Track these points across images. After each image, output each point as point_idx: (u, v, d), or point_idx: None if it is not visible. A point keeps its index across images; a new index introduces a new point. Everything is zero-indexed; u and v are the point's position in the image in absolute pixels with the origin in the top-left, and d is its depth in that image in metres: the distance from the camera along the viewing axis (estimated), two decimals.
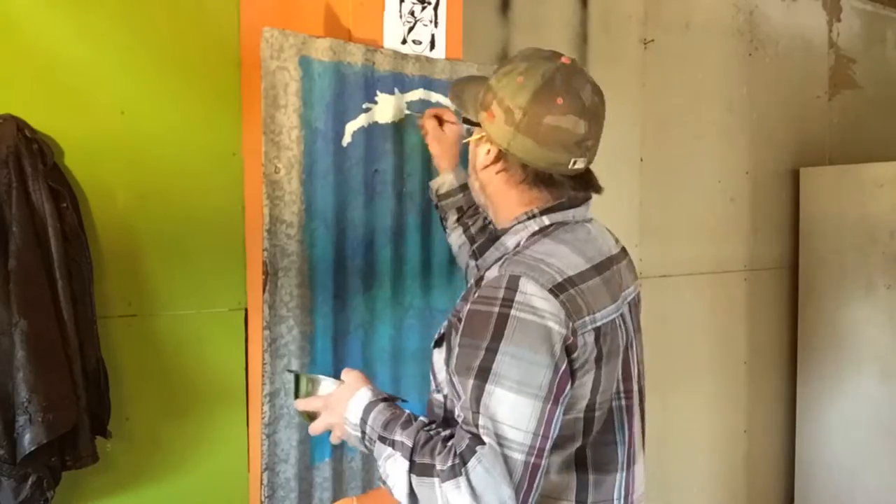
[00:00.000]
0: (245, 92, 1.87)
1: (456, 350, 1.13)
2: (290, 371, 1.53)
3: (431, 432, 1.14)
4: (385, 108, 1.80)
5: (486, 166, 1.24)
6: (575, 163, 1.20)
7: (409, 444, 1.12)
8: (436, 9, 1.90)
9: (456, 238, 1.73)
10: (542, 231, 1.21)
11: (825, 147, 3.77)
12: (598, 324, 1.14)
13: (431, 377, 1.31)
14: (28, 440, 1.45)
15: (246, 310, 1.91)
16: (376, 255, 1.81)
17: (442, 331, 1.26)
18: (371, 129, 1.78)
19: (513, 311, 1.08)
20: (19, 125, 1.55)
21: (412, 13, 1.87)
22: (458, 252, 1.74)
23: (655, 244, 3.02)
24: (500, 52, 2.55)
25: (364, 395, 1.24)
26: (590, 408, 1.16)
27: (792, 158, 3.60)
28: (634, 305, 1.31)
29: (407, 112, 1.81)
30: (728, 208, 3.34)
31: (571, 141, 1.18)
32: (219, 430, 1.88)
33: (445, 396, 1.25)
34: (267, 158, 1.63)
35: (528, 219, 1.22)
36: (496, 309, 1.09)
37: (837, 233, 3.39)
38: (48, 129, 1.61)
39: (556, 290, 1.10)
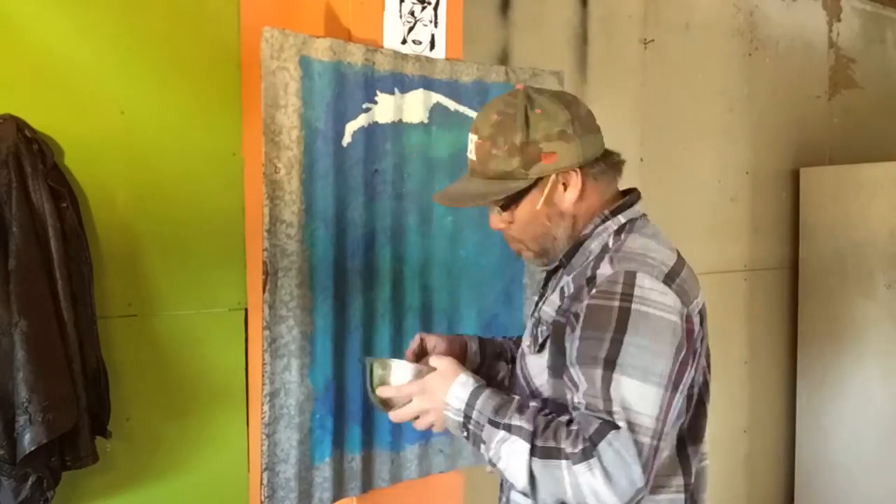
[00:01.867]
0: (245, 92, 1.87)
1: (577, 343, 1.17)
2: (364, 360, 1.49)
3: (549, 417, 1.18)
4: (385, 108, 1.80)
5: (581, 190, 1.26)
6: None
7: (530, 427, 1.15)
8: (436, 9, 1.90)
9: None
10: (622, 229, 1.27)
11: (825, 147, 3.77)
12: (699, 307, 1.23)
13: (524, 384, 1.32)
14: (28, 440, 1.45)
15: (246, 310, 1.91)
16: (376, 255, 1.81)
17: (542, 336, 1.27)
18: (371, 129, 1.78)
19: (634, 305, 1.14)
20: (19, 125, 1.55)
21: (412, 13, 1.87)
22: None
23: None
24: (500, 52, 2.55)
25: (467, 380, 1.26)
26: (692, 385, 1.23)
27: (792, 158, 3.60)
28: None
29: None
30: (728, 208, 3.34)
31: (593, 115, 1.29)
32: (219, 430, 1.89)
33: (545, 400, 1.26)
34: (267, 158, 1.62)
35: (603, 221, 1.28)
36: (616, 303, 1.14)
37: (837, 233, 3.39)
38: (48, 129, 1.61)
39: (668, 280, 1.17)
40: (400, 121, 1.82)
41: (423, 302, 1.89)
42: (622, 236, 1.25)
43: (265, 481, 1.66)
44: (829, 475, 3.43)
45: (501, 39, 2.56)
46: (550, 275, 1.36)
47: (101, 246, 1.70)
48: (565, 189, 1.25)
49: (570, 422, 1.15)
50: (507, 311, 2.05)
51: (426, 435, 1.86)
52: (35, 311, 1.49)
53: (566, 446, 1.11)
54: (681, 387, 1.16)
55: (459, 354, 1.46)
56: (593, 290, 1.17)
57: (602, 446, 1.08)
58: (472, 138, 1.27)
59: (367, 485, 1.84)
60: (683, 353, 1.16)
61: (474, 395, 1.23)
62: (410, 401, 1.28)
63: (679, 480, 1.25)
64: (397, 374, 1.33)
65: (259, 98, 1.63)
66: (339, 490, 1.79)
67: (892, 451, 3.23)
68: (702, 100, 3.20)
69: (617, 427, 1.10)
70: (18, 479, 1.49)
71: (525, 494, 1.16)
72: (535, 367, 1.30)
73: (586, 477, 1.08)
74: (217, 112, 1.85)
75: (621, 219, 1.28)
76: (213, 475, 1.88)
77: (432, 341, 1.45)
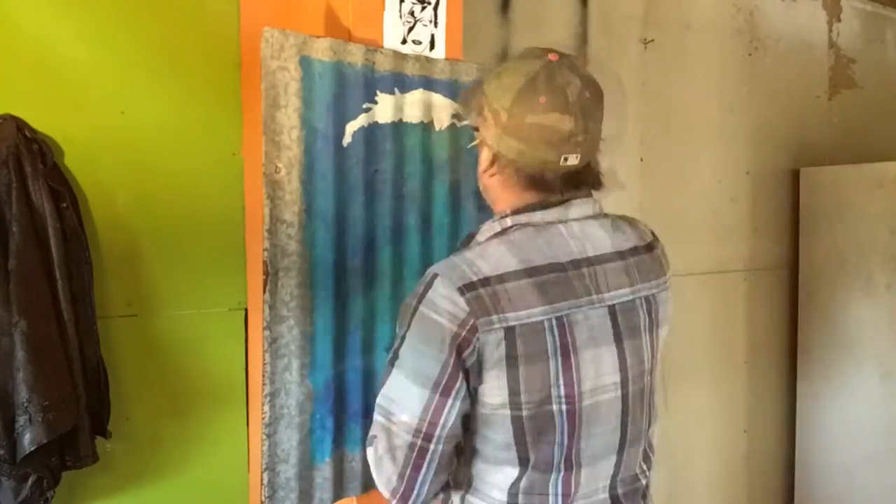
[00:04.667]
0: (245, 92, 1.87)
1: None
2: None
3: None
4: (385, 108, 1.80)
5: (485, 170, 1.27)
6: (566, 159, 1.20)
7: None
8: (436, 9, 1.90)
9: None
10: (502, 232, 1.23)
11: (825, 147, 3.77)
12: (511, 323, 1.15)
13: None
14: (28, 440, 1.45)
15: (246, 310, 1.91)
16: (376, 255, 1.81)
17: None
18: (371, 129, 1.78)
19: (420, 307, 1.18)
20: (19, 125, 1.55)
21: (412, 13, 1.87)
22: None
23: None
24: (500, 52, 2.55)
25: None
26: (515, 406, 1.18)
27: (792, 158, 3.60)
28: (632, 309, 1.27)
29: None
30: (728, 208, 3.34)
31: (557, 138, 1.18)
32: (219, 430, 1.89)
33: None
34: (267, 158, 1.62)
35: (498, 219, 1.25)
36: (414, 302, 1.19)
37: (837, 233, 3.39)
38: (48, 129, 1.62)
39: (465, 288, 1.16)
40: (400, 121, 1.83)
41: None
42: (492, 238, 1.23)
43: (265, 481, 1.66)
44: (829, 475, 3.43)
45: (501, 39, 2.56)
46: None
47: (101, 246, 1.70)
48: (485, 157, 1.27)
49: None
50: None
51: None
52: (35, 311, 1.49)
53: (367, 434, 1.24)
54: (455, 391, 1.16)
55: None
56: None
57: (373, 437, 1.20)
58: None
59: (367, 485, 1.84)
60: (453, 359, 1.14)
61: None
62: None
63: (495, 493, 1.22)
64: None
65: (259, 98, 1.63)
66: (339, 490, 1.79)
67: (892, 450, 3.23)
68: (701, 100, 3.20)
69: (386, 420, 1.18)
70: (18, 479, 1.49)
71: None
72: None
73: (370, 460, 1.21)
74: (217, 112, 1.85)
75: (508, 221, 1.24)
76: (213, 475, 1.88)
77: None
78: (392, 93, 1.80)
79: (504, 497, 1.21)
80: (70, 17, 1.65)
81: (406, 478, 1.16)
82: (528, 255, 1.20)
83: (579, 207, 1.26)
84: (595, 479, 1.27)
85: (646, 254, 1.32)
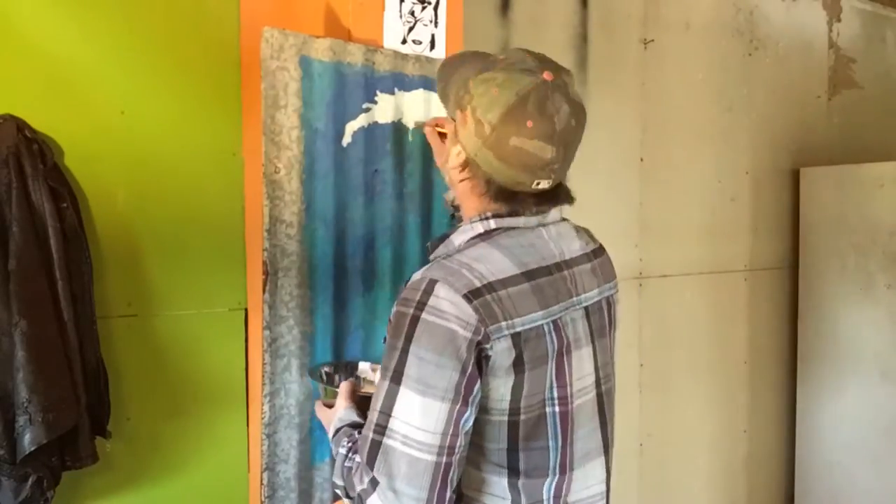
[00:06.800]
0: (245, 92, 1.87)
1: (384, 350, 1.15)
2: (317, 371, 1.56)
3: (345, 464, 1.20)
4: (385, 108, 1.80)
5: (454, 167, 1.24)
6: (538, 184, 1.20)
7: (341, 483, 1.21)
8: (436, 9, 1.90)
9: None
10: (486, 234, 1.21)
11: (825, 147, 3.77)
12: (517, 329, 1.14)
13: None
14: (28, 440, 1.45)
15: (246, 310, 1.91)
16: (376, 255, 1.81)
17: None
18: (371, 129, 1.78)
19: (423, 314, 1.10)
20: (19, 125, 1.55)
21: (412, 13, 1.87)
22: None
23: (655, 244, 3.03)
24: (500, 52, 2.55)
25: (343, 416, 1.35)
26: (513, 412, 1.16)
27: (792, 158, 3.60)
28: (600, 310, 1.30)
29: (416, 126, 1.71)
30: (728, 208, 3.34)
31: (536, 165, 1.17)
32: (219, 430, 1.88)
33: None
34: (267, 158, 1.63)
35: (479, 220, 1.23)
36: (411, 311, 1.11)
37: (837, 233, 3.39)
38: (48, 129, 1.61)
39: (471, 295, 1.11)
40: (400, 121, 1.83)
41: None
42: (476, 241, 1.20)
43: (265, 481, 1.66)
44: (829, 475, 3.44)
45: (501, 39, 2.56)
46: None
47: (101, 246, 1.70)
48: (458, 155, 1.21)
49: (352, 449, 1.19)
50: None
51: None
52: (35, 311, 1.49)
53: (357, 484, 1.12)
54: (471, 400, 1.10)
55: None
56: (400, 296, 1.15)
57: (382, 468, 1.07)
58: None
59: None
60: (472, 367, 1.09)
61: (335, 443, 1.28)
62: None
63: None
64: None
65: (259, 98, 1.63)
66: None
67: (892, 450, 3.23)
68: (702, 100, 3.20)
69: (403, 445, 1.07)
70: (18, 479, 1.49)
71: None
72: None
73: (377, 498, 1.08)
74: (217, 112, 1.85)
75: (492, 224, 1.21)
76: (213, 475, 1.88)
77: None
78: (392, 93, 1.80)
79: None
80: (70, 17, 1.65)
81: (436, 499, 1.07)
82: (523, 258, 1.19)
83: (552, 212, 1.27)
84: (587, 483, 1.26)
85: (603, 255, 1.35)
